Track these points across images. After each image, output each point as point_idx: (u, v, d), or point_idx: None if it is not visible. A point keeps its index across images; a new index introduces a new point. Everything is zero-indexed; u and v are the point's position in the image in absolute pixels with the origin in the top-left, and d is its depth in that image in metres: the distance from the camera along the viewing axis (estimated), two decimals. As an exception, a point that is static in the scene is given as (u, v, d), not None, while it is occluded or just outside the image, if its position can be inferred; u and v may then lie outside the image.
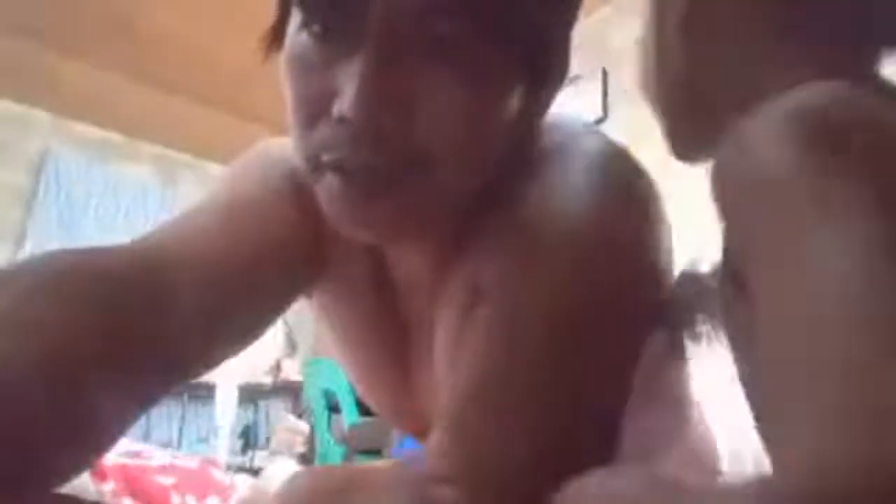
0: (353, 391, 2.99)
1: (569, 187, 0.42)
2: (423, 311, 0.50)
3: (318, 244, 0.50)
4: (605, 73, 2.65)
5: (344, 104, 0.36)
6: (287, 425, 2.90)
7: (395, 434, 2.65)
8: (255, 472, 2.71)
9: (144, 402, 0.38)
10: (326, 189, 0.40)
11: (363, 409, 2.93)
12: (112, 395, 0.34)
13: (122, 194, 3.95)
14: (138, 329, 0.37)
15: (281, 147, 0.54)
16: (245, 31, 3.25)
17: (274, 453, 2.77)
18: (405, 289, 0.53)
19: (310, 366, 3.43)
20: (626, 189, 0.43)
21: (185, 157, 4.13)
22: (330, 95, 0.38)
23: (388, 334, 0.55)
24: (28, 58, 3.34)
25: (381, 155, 0.38)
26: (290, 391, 3.89)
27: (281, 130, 0.56)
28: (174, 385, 0.40)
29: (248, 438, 3.84)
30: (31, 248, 3.60)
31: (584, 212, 0.41)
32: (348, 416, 2.96)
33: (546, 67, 0.44)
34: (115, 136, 3.99)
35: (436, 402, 0.50)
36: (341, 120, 0.37)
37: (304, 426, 2.89)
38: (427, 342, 0.50)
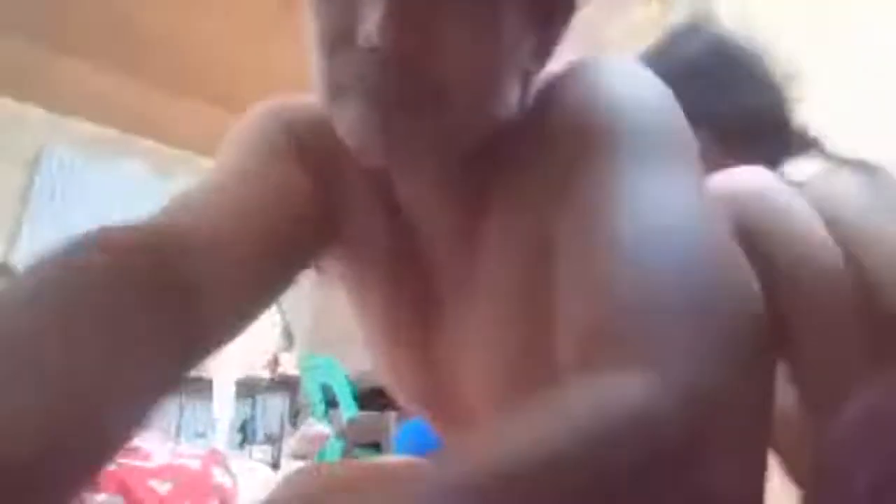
0: (350, 386, 3.00)
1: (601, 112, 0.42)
2: (450, 263, 0.50)
3: (330, 207, 0.50)
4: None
5: (371, 30, 0.37)
6: (309, 432, 2.89)
7: (393, 427, 2.66)
8: (274, 466, 2.72)
9: (161, 392, 0.36)
10: (348, 115, 0.41)
11: (361, 404, 2.94)
12: (124, 394, 0.33)
13: (118, 191, 3.93)
14: (152, 321, 0.35)
15: (281, 110, 0.53)
16: (243, 29, 3.21)
17: (295, 456, 2.77)
18: (427, 243, 0.51)
19: (307, 361, 3.43)
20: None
21: (181, 153, 4.11)
22: (353, 22, 0.39)
23: (407, 290, 0.53)
24: (24, 55, 3.33)
25: (406, 79, 0.39)
26: (287, 386, 3.89)
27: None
28: (188, 369, 0.39)
29: (246, 433, 3.85)
30: (26, 245, 3.59)
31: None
32: (346, 411, 2.97)
33: (552, 6, 0.45)
34: (111, 133, 3.97)
35: (463, 351, 0.49)
36: (368, 45, 0.38)
37: (325, 430, 2.88)
38: (457, 292, 0.49)
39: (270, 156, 0.49)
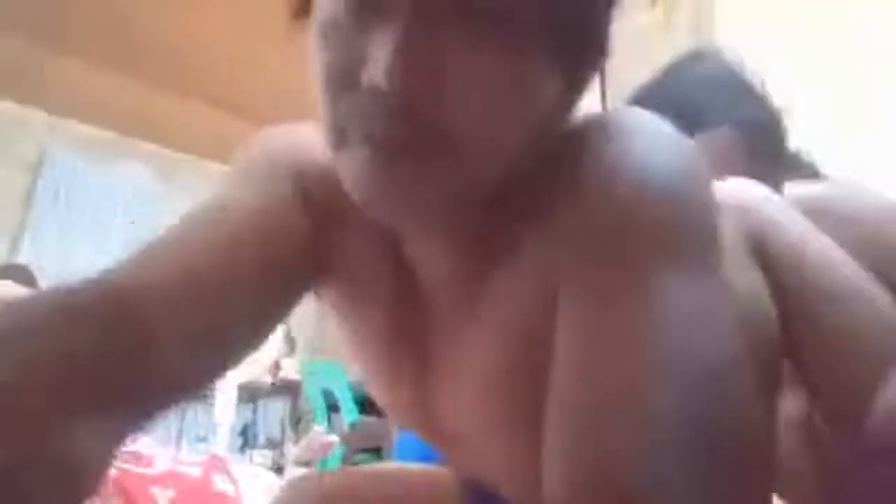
0: (352, 391, 3.00)
1: (630, 176, 0.39)
2: (450, 308, 0.48)
3: (325, 247, 0.48)
4: (602, 72, 2.64)
5: (377, 73, 0.35)
6: (315, 440, 2.88)
7: (394, 432, 2.65)
8: (277, 471, 2.71)
9: (138, 426, 0.37)
10: (352, 162, 0.39)
11: (362, 409, 2.93)
12: (105, 435, 0.33)
13: (120, 193, 3.94)
14: (134, 366, 0.35)
15: (283, 142, 0.52)
16: (244, 30, 3.21)
17: (299, 463, 2.77)
18: (430, 290, 0.50)
19: (309, 366, 3.43)
20: (687, 171, 0.41)
21: (183, 156, 4.12)
22: (361, 63, 0.37)
23: (407, 332, 0.52)
24: (26, 57, 3.34)
25: (413, 127, 0.36)
26: (288, 390, 3.89)
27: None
28: (171, 407, 0.39)
29: (247, 437, 3.85)
30: (28, 248, 3.60)
31: (657, 196, 0.38)
32: (348, 416, 2.97)
33: (582, 49, 0.42)
34: (113, 135, 3.98)
35: (459, 391, 0.48)
36: (373, 89, 0.36)
37: (331, 437, 2.87)
38: (456, 337, 0.48)
39: (271, 195, 0.47)
